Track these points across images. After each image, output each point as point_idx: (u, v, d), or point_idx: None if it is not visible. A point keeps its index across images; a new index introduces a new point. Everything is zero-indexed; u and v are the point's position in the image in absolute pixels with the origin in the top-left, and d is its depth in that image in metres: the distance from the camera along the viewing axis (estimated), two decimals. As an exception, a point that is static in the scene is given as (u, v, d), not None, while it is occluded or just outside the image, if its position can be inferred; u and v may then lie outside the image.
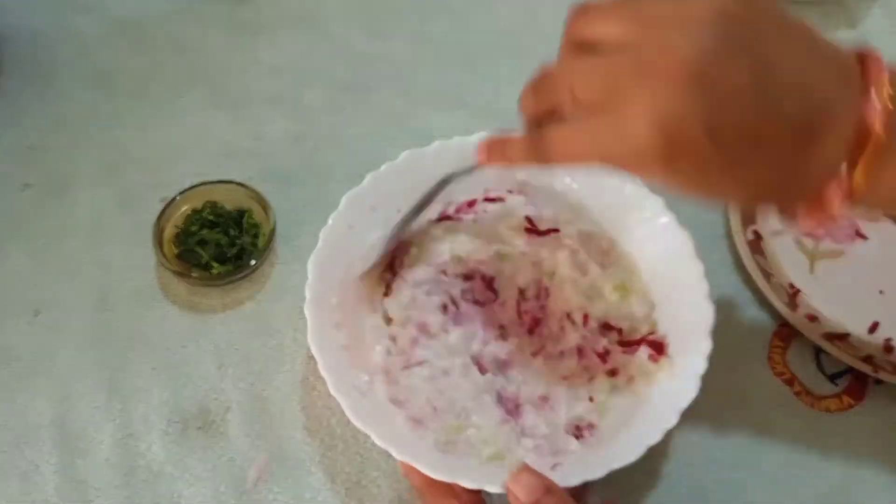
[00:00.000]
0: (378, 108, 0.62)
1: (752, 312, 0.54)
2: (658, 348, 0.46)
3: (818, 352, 0.52)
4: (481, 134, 0.49)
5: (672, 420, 0.41)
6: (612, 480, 0.40)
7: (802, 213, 0.33)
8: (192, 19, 0.66)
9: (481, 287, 0.49)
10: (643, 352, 0.46)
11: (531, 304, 0.48)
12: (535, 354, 0.47)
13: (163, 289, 0.54)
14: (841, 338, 0.51)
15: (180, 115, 0.61)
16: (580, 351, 0.47)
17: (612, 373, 0.46)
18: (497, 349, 0.47)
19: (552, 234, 0.50)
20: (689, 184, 0.32)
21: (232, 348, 0.51)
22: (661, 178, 0.32)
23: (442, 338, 0.46)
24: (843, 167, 0.31)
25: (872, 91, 0.31)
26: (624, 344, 0.47)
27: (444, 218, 0.50)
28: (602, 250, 0.50)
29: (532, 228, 0.50)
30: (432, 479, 0.40)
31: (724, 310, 0.52)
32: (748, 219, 0.55)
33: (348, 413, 0.40)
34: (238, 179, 0.56)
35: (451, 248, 0.49)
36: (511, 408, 0.45)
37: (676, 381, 0.44)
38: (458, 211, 0.51)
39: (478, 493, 0.41)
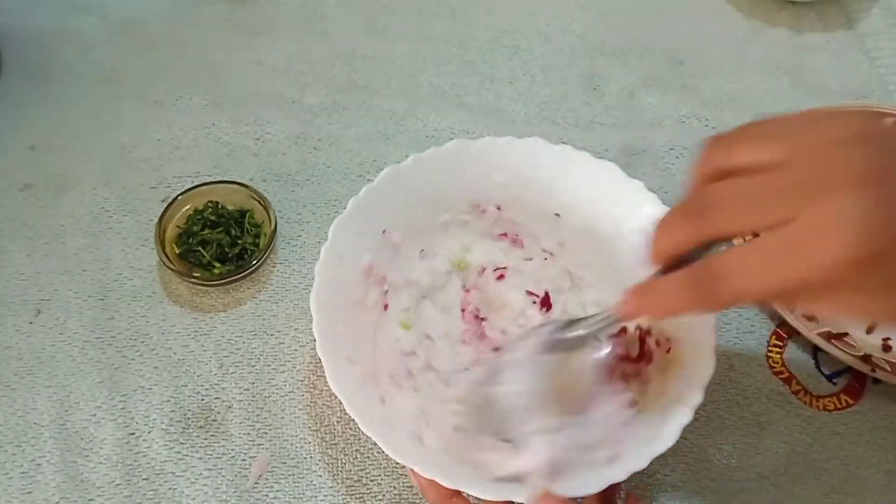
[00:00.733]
0: (378, 108, 0.62)
1: (750, 312, 0.54)
2: (662, 333, 0.46)
3: (816, 351, 0.52)
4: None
5: (697, 397, 0.41)
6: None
7: None
8: (194, 20, 0.66)
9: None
10: (656, 352, 0.46)
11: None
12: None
13: (164, 288, 0.54)
14: (839, 337, 0.51)
15: (181, 115, 0.61)
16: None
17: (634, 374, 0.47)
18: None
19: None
20: (877, 300, 0.30)
21: (233, 347, 0.52)
22: (850, 293, 0.29)
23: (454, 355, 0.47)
24: None
25: None
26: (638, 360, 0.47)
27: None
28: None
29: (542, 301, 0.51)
30: (449, 495, 0.40)
31: (723, 310, 0.53)
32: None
33: (386, 449, 0.40)
34: (239, 179, 0.56)
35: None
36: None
37: (690, 360, 0.44)
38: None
39: None
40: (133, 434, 0.49)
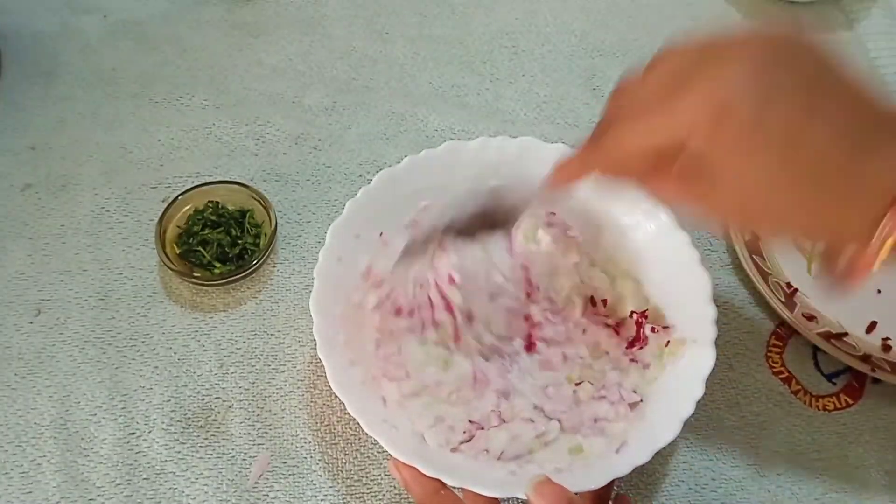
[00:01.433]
0: (378, 108, 0.62)
1: (750, 312, 0.54)
2: (658, 321, 0.47)
3: (816, 351, 0.52)
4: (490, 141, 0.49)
5: (699, 391, 0.42)
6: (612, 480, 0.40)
7: (848, 258, 0.33)
8: (194, 20, 0.66)
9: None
10: (653, 338, 0.47)
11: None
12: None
13: (164, 288, 0.54)
14: (839, 337, 0.51)
15: (181, 115, 0.61)
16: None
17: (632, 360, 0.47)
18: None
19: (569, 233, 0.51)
20: (731, 169, 0.32)
21: (233, 347, 0.52)
22: (705, 147, 0.32)
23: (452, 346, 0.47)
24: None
25: None
26: (631, 344, 0.47)
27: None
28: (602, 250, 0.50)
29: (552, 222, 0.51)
30: (433, 490, 0.40)
31: (723, 310, 0.53)
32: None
33: (390, 450, 0.40)
34: (239, 180, 0.56)
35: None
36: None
37: (690, 354, 0.44)
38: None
39: (491, 501, 0.41)
40: (133, 434, 0.49)
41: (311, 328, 0.43)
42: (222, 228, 0.53)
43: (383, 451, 0.48)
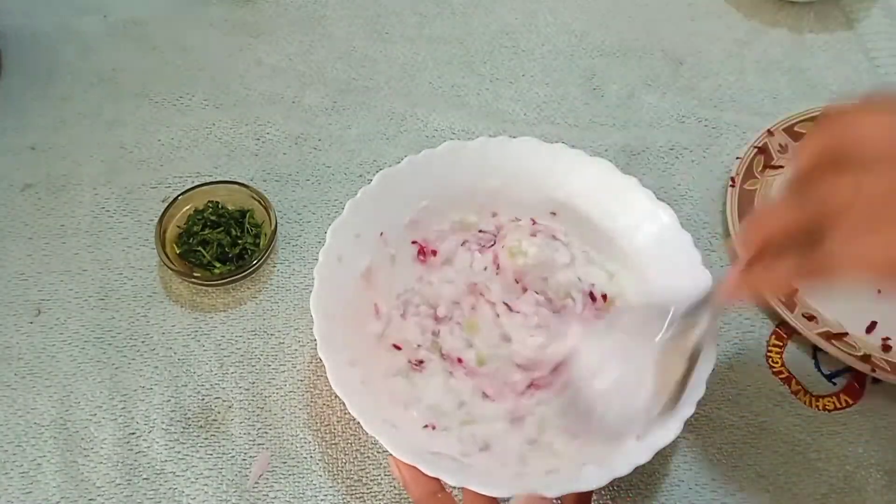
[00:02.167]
0: (378, 108, 0.62)
1: (749, 312, 0.54)
2: None
3: (816, 351, 0.52)
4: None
5: (700, 390, 0.41)
6: (612, 480, 0.40)
7: None
8: (194, 20, 0.66)
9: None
10: None
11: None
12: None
13: (165, 288, 0.54)
14: (839, 337, 0.51)
15: (182, 115, 0.61)
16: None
17: None
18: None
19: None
20: None
21: (233, 347, 0.52)
22: None
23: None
24: None
25: None
26: None
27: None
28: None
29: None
30: (432, 491, 0.40)
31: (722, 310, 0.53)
32: (747, 219, 0.56)
33: (391, 450, 0.40)
34: (240, 180, 0.56)
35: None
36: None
37: None
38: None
39: (490, 501, 0.41)
40: (133, 434, 0.49)
41: (311, 328, 0.43)
42: (222, 228, 0.53)
43: (383, 451, 0.48)
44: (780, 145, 0.59)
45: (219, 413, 0.49)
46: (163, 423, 0.49)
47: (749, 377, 0.52)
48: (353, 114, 0.62)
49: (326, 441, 0.49)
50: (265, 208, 0.54)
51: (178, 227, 0.54)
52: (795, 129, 0.59)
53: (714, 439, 0.49)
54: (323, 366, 0.42)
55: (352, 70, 0.64)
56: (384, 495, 0.47)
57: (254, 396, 0.50)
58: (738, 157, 0.58)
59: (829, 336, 0.51)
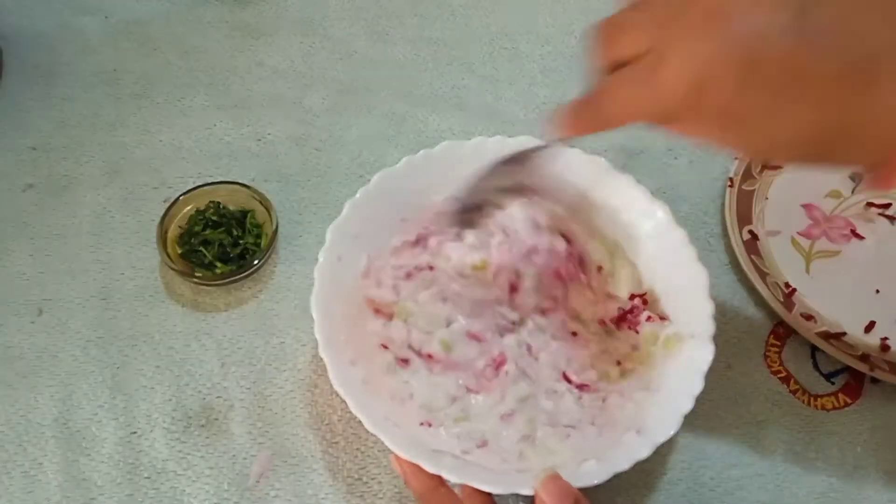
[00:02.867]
0: (378, 109, 0.62)
1: (748, 312, 0.54)
2: (654, 308, 0.47)
3: (814, 351, 0.53)
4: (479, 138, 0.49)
5: (698, 385, 0.42)
6: (610, 478, 0.41)
7: (877, 175, 0.32)
8: (195, 21, 0.67)
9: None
10: (647, 326, 0.47)
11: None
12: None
13: (166, 288, 0.54)
14: (837, 337, 0.51)
15: (183, 116, 0.62)
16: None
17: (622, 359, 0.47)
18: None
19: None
20: (727, 130, 0.32)
21: (235, 347, 0.52)
22: (695, 125, 0.32)
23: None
24: None
25: None
26: (622, 318, 0.48)
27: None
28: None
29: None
30: (433, 486, 0.40)
31: (721, 309, 0.53)
32: (744, 219, 0.56)
33: (393, 448, 0.40)
34: (241, 180, 0.56)
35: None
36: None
37: (689, 349, 0.44)
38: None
39: (487, 497, 0.41)
40: (135, 433, 0.49)
41: (311, 328, 0.43)
42: (223, 228, 0.54)
43: (384, 451, 0.48)
44: (779, 146, 0.59)
45: (220, 412, 0.50)
46: (164, 422, 0.49)
47: (747, 377, 0.52)
48: (353, 115, 0.62)
49: (327, 440, 0.49)
50: (266, 208, 0.55)
51: (180, 227, 0.54)
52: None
53: (713, 439, 0.49)
54: (324, 365, 0.43)
55: (352, 71, 0.65)
56: (385, 494, 0.47)
57: (255, 396, 0.50)
58: (735, 158, 0.59)
59: (827, 336, 0.51)
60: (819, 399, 0.51)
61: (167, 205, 0.54)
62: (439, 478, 0.40)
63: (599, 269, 0.49)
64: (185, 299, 0.53)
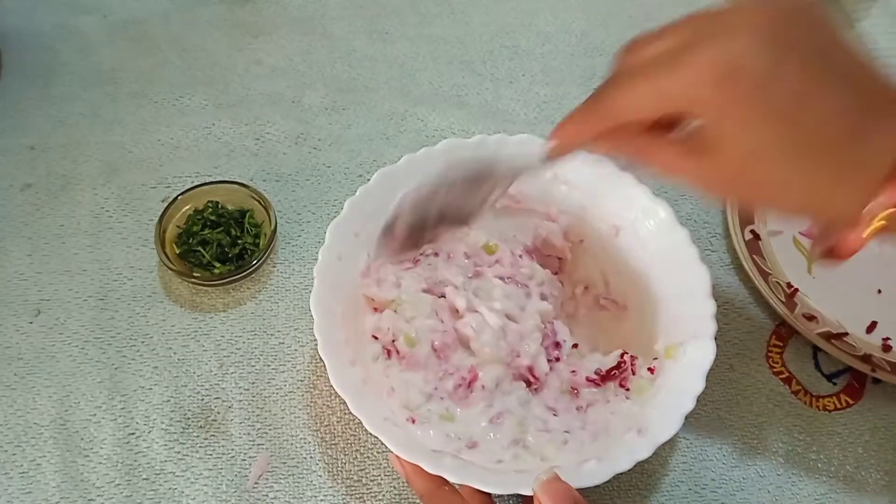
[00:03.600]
0: (378, 108, 0.62)
1: (750, 312, 0.54)
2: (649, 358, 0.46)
3: (816, 351, 0.52)
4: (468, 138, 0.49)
5: (699, 385, 0.42)
6: (611, 480, 0.40)
7: (838, 235, 0.33)
8: (193, 20, 0.66)
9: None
10: (635, 381, 0.46)
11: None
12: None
13: (164, 288, 0.54)
14: (839, 337, 0.51)
15: (181, 115, 0.61)
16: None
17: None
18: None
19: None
20: (731, 137, 0.32)
21: (233, 347, 0.52)
22: (714, 115, 0.32)
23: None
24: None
25: None
26: (608, 376, 0.47)
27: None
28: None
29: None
30: (436, 486, 0.40)
31: (723, 309, 0.53)
32: (746, 219, 0.56)
33: (391, 447, 0.40)
34: (239, 179, 0.56)
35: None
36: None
37: (690, 350, 0.44)
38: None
39: (486, 497, 0.41)
40: (133, 434, 0.49)
41: (310, 328, 0.43)
42: (222, 228, 0.53)
43: (383, 452, 0.48)
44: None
45: (218, 413, 0.49)
46: (162, 423, 0.49)
47: (749, 377, 0.52)
48: (352, 113, 0.62)
49: (326, 441, 0.49)
50: (265, 208, 0.54)
51: (178, 227, 0.54)
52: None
53: (714, 439, 0.49)
54: (323, 365, 0.43)
55: (352, 70, 0.64)
56: (384, 495, 0.47)
57: (253, 396, 0.50)
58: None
59: (829, 336, 0.51)
60: (820, 400, 0.51)
61: (165, 204, 0.54)
62: (441, 478, 0.40)
63: (575, 346, 0.48)
64: (184, 299, 0.53)
